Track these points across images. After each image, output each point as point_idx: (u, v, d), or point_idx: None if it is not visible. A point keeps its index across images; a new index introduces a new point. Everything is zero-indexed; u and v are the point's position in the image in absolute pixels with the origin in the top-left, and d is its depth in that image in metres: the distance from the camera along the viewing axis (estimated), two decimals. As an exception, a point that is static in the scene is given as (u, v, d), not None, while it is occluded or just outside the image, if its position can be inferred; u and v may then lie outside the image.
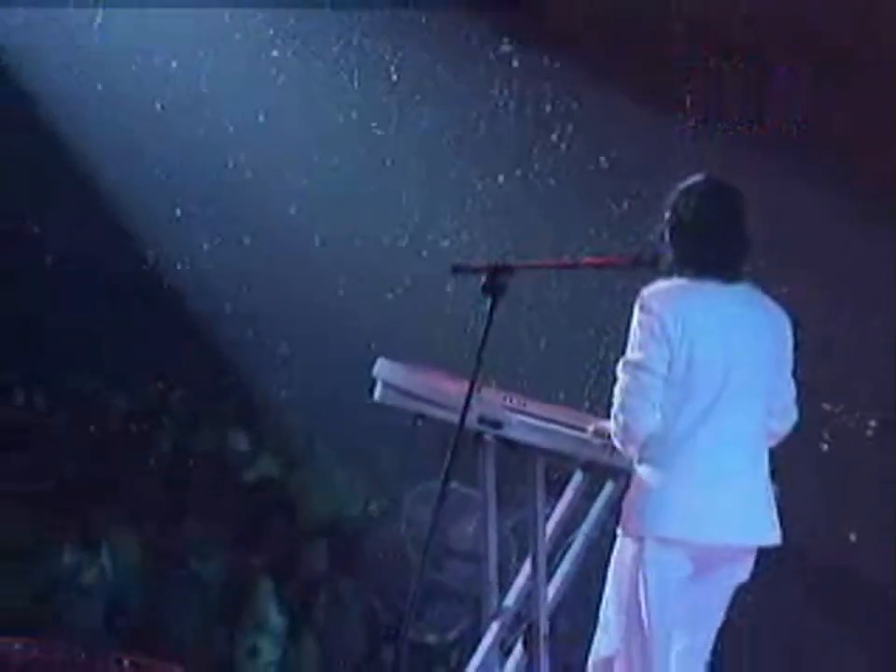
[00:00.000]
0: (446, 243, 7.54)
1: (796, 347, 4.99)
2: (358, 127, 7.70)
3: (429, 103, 7.62)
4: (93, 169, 7.79)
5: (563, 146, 7.54)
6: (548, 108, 7.54)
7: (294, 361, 7.76)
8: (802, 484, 6.64)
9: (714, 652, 4.94)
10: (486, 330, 4.88)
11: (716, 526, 4.75)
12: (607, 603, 4.88)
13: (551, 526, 5.32)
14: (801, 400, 5.02)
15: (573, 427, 5.18)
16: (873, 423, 7.15)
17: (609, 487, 5.27)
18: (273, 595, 7.73)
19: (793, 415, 4.97)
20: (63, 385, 8.07)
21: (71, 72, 7.81)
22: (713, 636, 4.90)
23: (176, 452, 8.03)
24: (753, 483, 4.83)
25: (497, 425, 5.18)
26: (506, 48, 7.57)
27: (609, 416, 4.85)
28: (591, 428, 5.11)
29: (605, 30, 7.37)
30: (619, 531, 4.86)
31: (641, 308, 4.78)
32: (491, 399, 5.20)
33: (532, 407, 5.25)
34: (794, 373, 4.99)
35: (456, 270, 5.48)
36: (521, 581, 5.35)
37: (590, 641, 4.92)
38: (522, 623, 5.30)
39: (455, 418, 4.88)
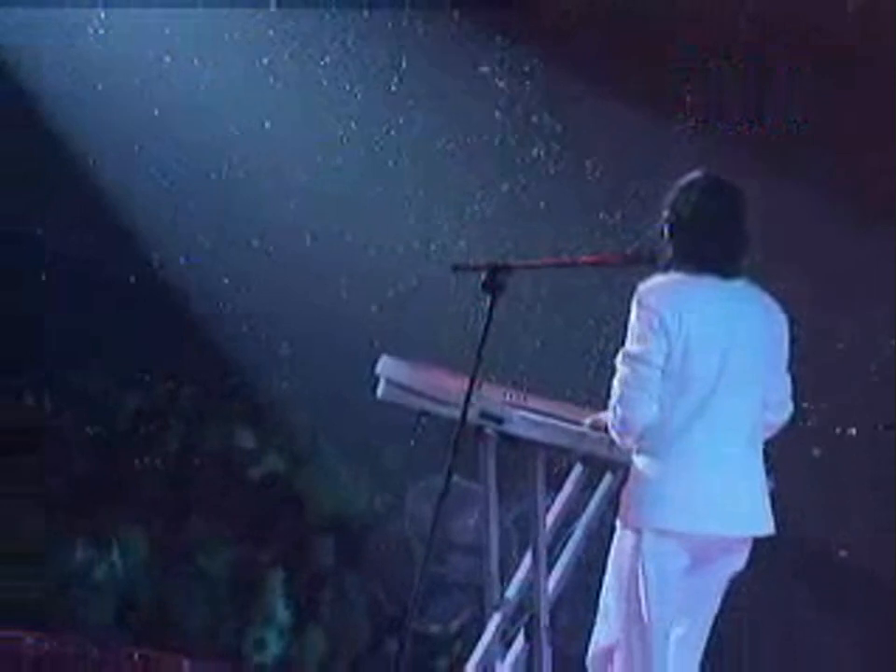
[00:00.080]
0: (446, 242, 7.55)
1: (793, 343, 5.04)
2: (359, 128, 7.72)
3: (427, 105, 7.63)
4: (95, 170, 7.80)
5: (562, 146, 7.57)
6: (547, 108, 7.54)
7: (298, 360, 7.76)
8: (799, 480, 6.70)
9: (713, 646, 4.99)
10: (486, 328, 4.93)
11: (712, 518, 4.79)
12: (606, 594, 4.92)
13: (551, 519, 5.38)
14: (796, 396, 5.09)
15: (573, 422, 5.24)
16: (870, 421, 7.18)
17: (607, 480, 5.33)
18: (280, 589, 7.78)
19: (789, 408, 5.02)
20: (71, 385, 8.10)
21: (71, 72, 7.80)
22: (710, 623, 4.94)
23: (184, 450, 8.07)
24: (749, 475, 4.87)
25: (498, 420, 5.22)
26: (503, 49, 7.58)
27: (606, 406, 4.91)
28: (587, 421, 5.18)
29: (604, 30, 7.37)
30: (618, 523, 4.91)
31: (639, 303, 4.83)
32: (492, 395, 5.25)
33: (532, 402, 5.31)
34: (790, 368, 5.02)
35: (457, 269, 5.56)
36: (522, 572, 5.41)
37: (590, 632, 4.97)
38: (523, 613, 5.35)
39: (457, 414, 4.94)
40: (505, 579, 5.43)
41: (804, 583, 7.15)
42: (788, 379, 5.02)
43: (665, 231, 4.93)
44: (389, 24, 7.70)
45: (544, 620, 5.30)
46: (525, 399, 5.32)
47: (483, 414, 5.22)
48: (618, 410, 4.83)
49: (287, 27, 7.76)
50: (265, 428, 7.99)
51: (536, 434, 5.24)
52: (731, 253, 4.89)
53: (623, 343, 4.89)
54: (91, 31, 7.83)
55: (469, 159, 7.62)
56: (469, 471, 5.39)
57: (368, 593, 7.64)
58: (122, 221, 7.81)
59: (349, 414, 7.33)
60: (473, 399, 4.99)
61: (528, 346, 7.36)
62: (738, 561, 4.92)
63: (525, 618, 5.35)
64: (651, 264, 5.00)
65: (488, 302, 4.98)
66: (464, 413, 4.94)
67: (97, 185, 7.81)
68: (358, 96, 7.74)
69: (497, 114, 7.63)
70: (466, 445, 5.08)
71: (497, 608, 5.37)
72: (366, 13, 7.70)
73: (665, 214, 4.93)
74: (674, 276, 4.89)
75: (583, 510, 5.44)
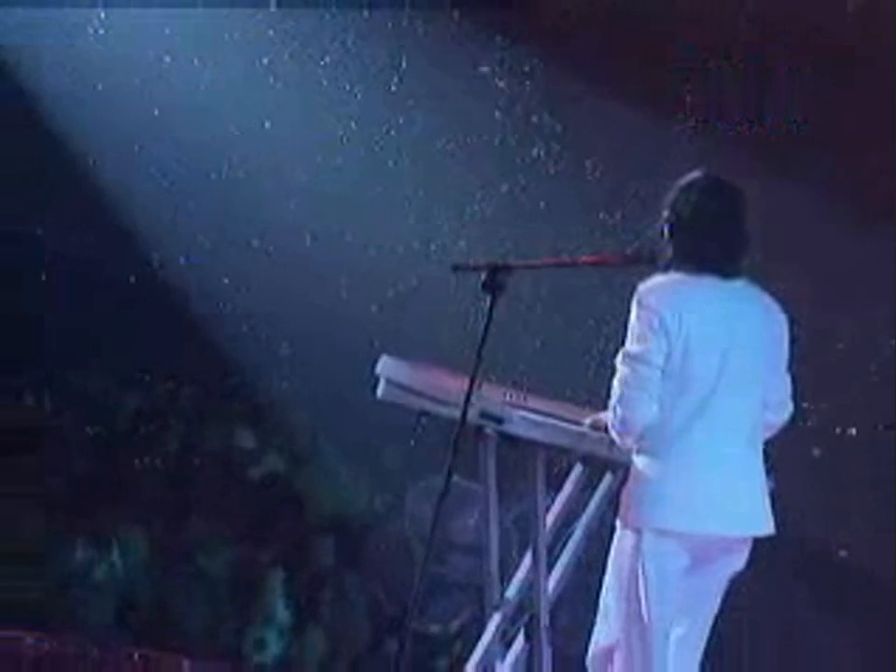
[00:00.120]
0: (446, 242, 7.55)
1: (793, 342, 5.05)
2: (359, 128, 7.72)
3: (427, 105, 7.63)
4: (95, 170, 7.79)
5: (562, 146, 7.57)
6: (547, 108, 7.54)
7: (298, 360, 7.76)
8: (799, 480, 6.70)
9: (713, 646, 5.00)
10: (486, 328, 4.94)
11: (712, 518, 4.81)
12: (606, 594, 4.93)
13: (551, 519, 5.39)
14: (796, 396, 5.09)
15: (573, 422, 5.25)
16: (870, 420, 7.19)
17: (607, 480, 5.34)
18: (280, 589, 7.79)
19: (789, 408, 5.03)
20: (72, 386, 8.11)
21: (71, 73, 7.80)
22: (710, 623, 4.95)
23: (184, 450, 8.08)
24: (749, 474, 4.88)
25: (498, 420, 5.23)
26: (503, 49, 7.57)
27: (606, 406, 4.92)
28: (587, 421, 5.19)
29: (604, 30, 7.36)
30: (618, 523, 4.92)
31: (639, 303, 4.84)
32: (492, 395, 5.26)
33: (532, 402, 5.32)
34: (790, 368, 5.03)
35: (457, 269, 5.57)
36: (522, 572, 5.42)
37: (590, 632, 4.97)
38: (523, 613, 5.36)
39: (457, 414, 4.95)
40: (505, 579, 5.44)
41: (804, 583, 7.16)
42: (788, 379, 5.03)
43: (665, 231, 4.94)
44: (389, 24, 7.70)
45: (544, 620, 5.32)
46: (524, 399, 5.33)
47: (483, 414, 5.23)
48: (618, 410, 4.84)
49: (287, 27, 7.76)
50: (265, 428, 8.00)
51: (536, 434, 5.26)
52: (731, 253, 4.90)
53: (622, 343, 4.89)
54: (90, 31, 7.83)
55: (470, 159, 7.62)
56: (469, 471, 5.40)
57: (368, 593, 7.65)
58: (122, 221, 7.81)
59: (349, 414, 7.34)
60: (473, 398, 5.00)
61: (528, 346, 7.36)
62: (738, 561, 4.93)
63: (525, 618, 5.36)
64: (651, 264, 5.01)
65: (488, 302, 4.99)
66: (464, 413, 4.95)
67: (97, 185, 7.81)
68: (358, 96, 7.74)
69: (497, 114, 7.64)
70: (466, 445, 5.09)
71: (497, 608, 5.39)
72: (366, 13, 7.70)
73: (666, 214, 4.94)
74: (674, 276, 4.90)
75: (583, 510, 5.45)
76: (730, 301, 4.89)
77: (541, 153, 7.58)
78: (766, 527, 4.92)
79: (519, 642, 5.39)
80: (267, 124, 7.76)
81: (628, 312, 4.89)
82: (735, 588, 5.01)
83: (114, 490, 7.99)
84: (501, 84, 7.63)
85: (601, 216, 7.43)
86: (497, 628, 5.37)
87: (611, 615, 4.92)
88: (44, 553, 7.85)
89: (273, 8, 7.77)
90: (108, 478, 8.03)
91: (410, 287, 7.62)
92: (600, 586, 4.97)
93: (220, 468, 8.00)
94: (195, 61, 7.79)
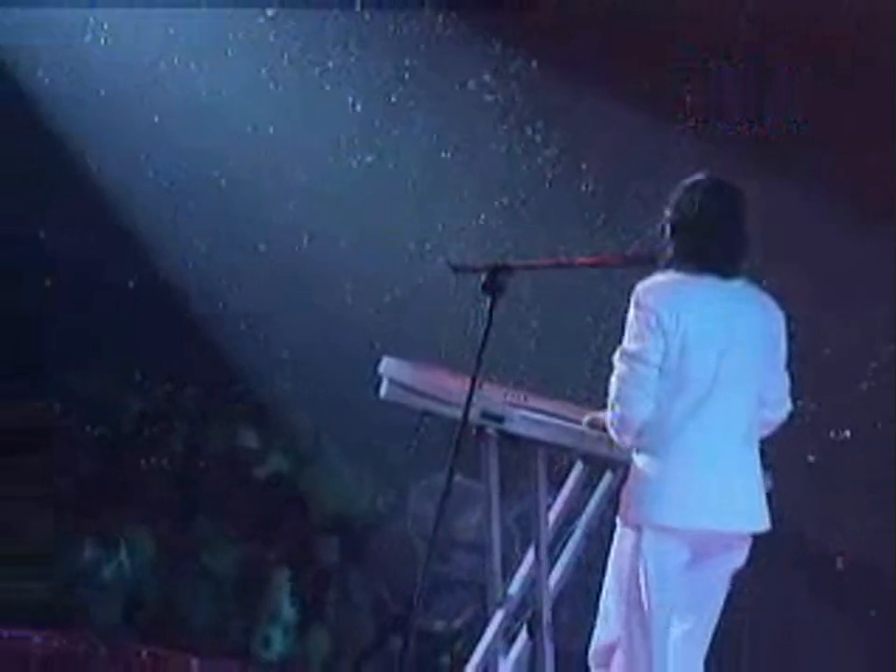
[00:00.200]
0: (447, 244, 7.54)
1: (792, 342, 5.07)
2: (360, 130, 7.74)
3: (427, 107, 7.64)
4: (96, 172, 7.78)
5: (562, 146, 7.56)
6: (547, 109, 7.54)
7: (301, 361, 7.76)
8: (798, 480, 6.73)
9: (713, 646, 5.02)
10: (487, 328, 4.97)
11: (708, 515, 4.84)
12: (607, 591, 4.97)
13: (552, 517, 5.43)
14: (795, 395, 5.13)
15: (572, 421, 5.29)
16: (870, 420, 7.19)
17: (607, 478, 5.38)
18: (285, 587, 7.83)
19: (788, 406, 5.07)
20: (77, 387, 8.15)
21: (71, 74, 7.79)
22: (713, 623, 4.99)
23: (189, 451, 8.12)
24: (745, 472, 4.92)
25: (499, 419, 5.27)
26: (503, 51, 7.55)
27: (605, 405, 4.96)
28: (585, 419, 5.23)
29: (604, 30, 7.35)
30: (618, 520, 4.96)
31: (637, 303, 4.88)
32: (493, 395, 5.30)
33: (533, 401, 5.36)
34: (789, 367, 5.06)
35: (457, 270, 5.62)
36: (524, 569, 5.46)
37: (591, 629, 5.01)
38: (525, 610, 5.40)
39: (459, 414, 4.99)
40: (507, 576, 5.48)
41: (803, 583, 7.17)
42: (786, 377, 5.06)
43: (667, 231, 4.98)
44: (391, 27, 7.70)
45: (546, 616, 5.36)
46: (525, 398, 5.38)
47: (485, 414, 5.27)
48: (616, 407, 4.89)
49: (289, 29, 7.75)
50: (269, 429, 8.03)
51: (537, 433, 5.29)
52: (731, 254, 4.95)
53: (620, 341, 4.93)
54: (91, 32, 7.83)
55: (470, 159, 7.63)
56: (471, 470, 5.45)
57: (372, 591, 7.68)
58: (123, 223, 7.80)
59: (352, 414, 7.34)
60: (475, 398, 5.03)
61: (527, 345, 7.37)
62: (739, 557, 4.97)
63: (528, 614, 5.39)
64: (650, 265, 5.04)
65: (488, 303, 5.03)
66: (465, 413, 4.98)
67: (98, 186, 7.80)
68: (359, 98, 7.74)
69: (498, 115, 7.63)
70: (468, 444, 5.13)
71: (499, 605, 5.43)
72: (367, 16, 7.71)
73: (668, 214, 4.97)
74: (673, 276, 4.94)
75: (584, 508, 5.49)
76: (728, 300, 4.93)
77: (541, 153, 7.57)
78: (763, 524, 4.96)
79: (521, 639, 5.43)
80: (267, 126, 7.76)
81: (627, 305, 4.92)
82: (735, 588, 5.02)
83: (121, 490, 8.03)
84: (501, 85, 7.62)
85: (601, 216, 7.44)
86: (500, 625, 5.42)
87: (611, 617, 4.95)
88: (52, 553, 7.89)
89: (274, 11, 7.76)
90: (115, 479, 8.07)
91: (410, 288, 7.62)
92: (601, 583, 5.00)
93: (225, 468, 8.04)
94: (196, 62, 7.79)
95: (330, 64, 7.74)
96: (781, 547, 5.45)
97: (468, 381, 5.02)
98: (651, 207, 5.46)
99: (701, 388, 4.85)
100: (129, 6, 7.76)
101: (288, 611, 7.81)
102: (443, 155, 7.64)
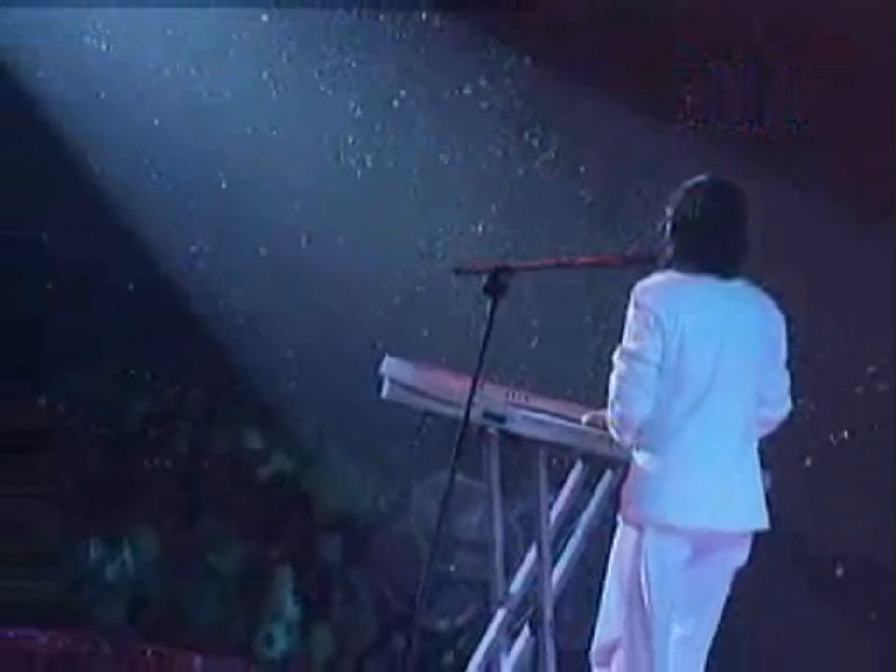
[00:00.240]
0: (449, 246, 7.55)
1: (791, 342, 5.09)
2: (360, 132, 7.75)
3: (427, 108, 7.65)
4: (100, 174, 7.79)
5: (562, 146, 7.55)
6: (547, 109, 7.55)
7: (304, 362, 7.79)
8: (798, 480, 6.74)
9: (713, 648, 5.05)
10: (488, 329, 5.01)
11: (707, 514, 4.88)
12: (609, 590, 5.00)
13: (553, 516, 5.47)
14: (795, 394, 5.16)
15: (573, 420, 5.34)
16: (869, 420, 7.19)
17: (608, 477, 5.42)
18: (288, 587, 7.85)
19: (787, 405, 5.11)
20: (82, 388, 8.18)
21: (70, 76, 7.78)
22: (715, 623, 5.02)
23: (193, 451, 8.15)
24: (743, 470, 4.95)
25: (500, 419, 5.31)
26: (503, 52, 7.56)
27: (605, 404, 5.00)
28: (585, 418, 5.27)
29: (604, 30, 7.34)
30: (619, 519, 4.99)
31: (636, 303, 4.92)
32: (494, 395, 5.35)
33: (534, 401, 5.40)
34: (788, 365, 5.09)
35: (459, 271, 5.65)
36: (526, 568, 5.50)
37: (593, 628, 5.04)
38: (527, 608, 5.45)
39: (461, 414, 5.02)
40: (509, 574, 5.51)
41: (803, 583, 7.17)
42: (786, 376, 5.10)
43: (668, 232, 5.01)
44: (391, 28, 7.71)
45: (548, 614, 5.40)
46: (526, 398, 5.41)
47: (486, 414, 5.31)
48: (616, 406, 4.93)
49: (290, 32, 7.76)
50: (273, 429, 8.05)
51: (538, 432, 5.34)
52: (730, 255, 4.98)
53: (620, 340, 4.97)
54: (93, 34, 7.83)
55: (471, 160, 7.63)
56: (473, 470, 5.48)
57: (375, 589, 7.71)
58: (125, 224, 7.81)
59: (355, 415, 7.36)
60: (476, 398, 5.06)
61: (528, 345, 7.39)
62: (740, 554, 5.00)
63: (530, 612, 5.43)
64: (650, 265, 5.07)
65: (490, 304, 5.06)
66: (467, 413, 5.01)
67: (100, 187, 7.81)
68: (359, 100, 7.75)
69: (498, 116, 7.63)
70: (470, 444, 5.15)
71: (501, 603, 5.47)
72: (367, 17, 7.72)
73: (669, 214, 5.00)
74: (672, 275, 4.97)
75: (585, 507, 5.52)
76: (727, 300, 4.96)
77: (541, 153, 7.57)
78: (762, 522, 4.99)
79: (524, 636, 5.47)
80: (269, 127, 7.76)
81: (626, 303, 4.94)
82: (735, 588, 5.04)
83: (126, 491, 8.06)
84: (501, 85, 7.63)
85: (601, 216, 7.46)
86: (502, 623, 5.45)
87: (613, 616, 4.97)
88: (57, 553, 7.92)
89: (275, 13, 7.75)
90: (120, 479, 8.10)
91: (413, 289, 7.64)
92: (602, 581, 5.03)
93: (229, 468, 8.06)
94: (197, 64, 7.80)
95: (327, 66, 7.75)
96: (781, 547, 5.46)
97: (469, 381, 5.05)
98: (651, 207, 5.49)
99: (699, 387, 4.89)
100: (134, 5, 7.77)
101: (291, 610, 7.83)
102: (443, 157, 7.65)
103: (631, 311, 4.94)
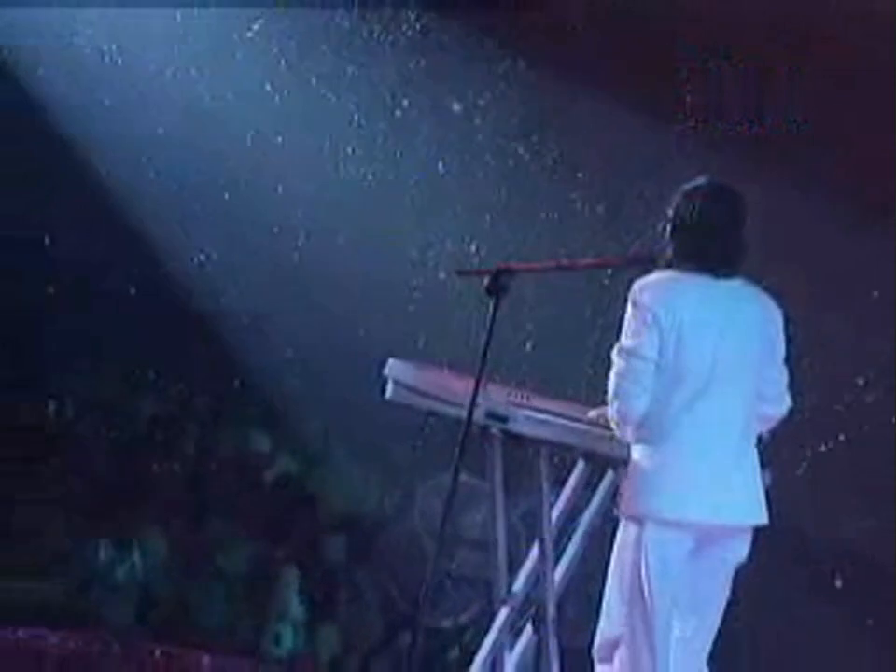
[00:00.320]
0: (451, 249, 7.57)
1: (791, 342, 5.13)
2: (363, 135, 7.78)
3: (428, 112, 7.68)
4: (105, 177, 7.82)
5: (562, 147, 7.58)
6: (546, 110, 7.57)
7: (309, 364, 7.81)
8: (798, 479, 6.76)
9: (712, 648, 5.07)
10: (490, 329, 5.04)
11: (706, 508, 4.92)
12: (610, 586, 5.04)
13: (556, 514, 5.50)
14: (794, 392, 5.20)
15: (574, 420, 5.37)
16: (869, 420, 7.20)
17: (609, 476, 5.45)
18: (295, 586, 7.90)
19: (787, 401, 5.14)
20: (91, 392, 8.21)
21: (71, 80, 7.78)
22: (716, 626, 5.05)
23: (200, 454, 8.19)
24: (741, 465, 4.99)
25: (503, 419, 5.34)
26: (503, 53, 7.58)
27: (604, 402, 5.04)
28: (592, 414, 5.29)
29: (604, 30, 7.37)
30: (621, 516, 5.01)
31: (634, 301, 4.97)
32: (496, 395, 5.38)
33: (535, 401, 5.44)
34: (787, 363, 5.13)
35: (461, 273, 5.69)
36: (529, 566, 5.53)
37: (596, 624, 5.07)
38: (530, 606, 5.48)
39: (464, 414, 5.06)
40: (513, 573, 5.54)
41: (803, 582, 7.18)
42: (785, 372, 5.13)
43: (667, 233, 5.05)
44: (393, 34, 7.73)
45: (551, 611, 5.43)
46: (528, 398, 5.45)
47: (489, 414, 5.33)
48: (614, 402, 4.98)
49: (290, 33, 7.77)
50: (278, 432, 8.09)
51: (540, 432, 5.37)
52: (728, 257, 5.02)
53: (618, 337, 5.01)
54: (92, 35, 7.83)
55: (471, 162, 7.66)
56: (477, 469, 5.52)
57: (380, 588, 7.74)
58: (130, 227, 7.82)
59: (359, 416, 7.38)
60: (479, 399, 5.10)
61: (530, 346, 7.42)
62: (740, 549, 5.03)
63: (533, 610, 5.46)
64: (651, 265, 5.10)
65: (491, 305, 5.09)
66: (470, 414, 5.04)
67: (106, 191, 7.84)
68: (358, 102, 7.78)
69: (498, 117, 7.65)
70: (473, 444, 5.19)
71: (504, 601, 5.50)
72: (368, 21, 7.74)
73: (669, 215, 5.04)
74: (670, 274, 5.02)
75: (587, 505, 5.56)
76: (725, 297, 5.00)
77: (541, 154, 7.59)
78: (761, 517, 5.03)
79: (527, 634, 5.50)
80: (272, 132, 7.78)
81: (625, 300, 4.98)
82: (735, 587, 5.05)
83: (135, 493, 8.09)
84: (502, 87, 7.65)
85: (602, 216, 7.48)
86: (506, 621, 5.48)
87: (614, 612, 5.00)
88: (67, 555, 7.95)
89: (277, 16, 7.76)
90: (128, 481, 8.14)
91: (416, 291, 7.66)
92: (604, 579, 5.07)
93: (236, 470, 8.10)
94: (198, 69, 7.81)
95: (325, 69, 7.76)
96: (781, 547, 5.48)
97: (471, 382, 5.09)
98: (652, 208, 5.51)
99: (697, 383, 4.93)
100: (136, 6, 7.76)
101: (297, 609, 7.87)
102: (443, 157, 7.68)
103: (629, 309, 4.99)
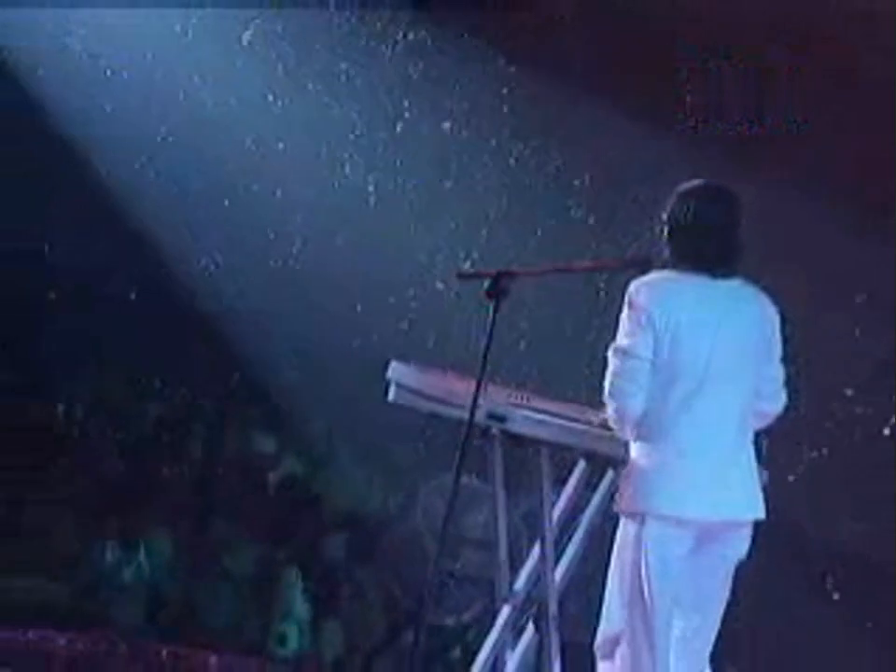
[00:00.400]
0: (452, 253, 7.58)
1: (789, 342, 5.16)
2: (364, 138, 7.79)
3: (428, 114, 7.70)
4: (106, 179, 7.83)
5: (561, 147, 7.58)
6: (546, 110, 7.58)
7: (312, 366, 7.84)
8: (797, 478, 6.78)
9: (712, 652, 5.11)
10: (490, 332, 5.06)
11: (705, 505, 4.96)
12: (611, 584, 5.07)
13: (557, 514, 5.55)
14: (794, 387, 5.22)
15: (574, 420, 5.43)
16: (869, 419, 7.22)
17: (609, 475, 5.50)
18: (299, 586, 7.94)
19: (783, 398, 5.19)
20: (98, 394, 8.26)
21: (71, 84, 7.79)
22: (717, 624, 5.08)
23: (207, 455, 8.23)
24: (738, 461, 5.03)
25: (502, 420, 5.39)
26: (504, 54, 7.57)
27: (600, 400, 5.09)
28: (596, 420, 5.35)
29: (604, 30, 7.39)
30: (620, 513, 5.04)
31: (630, 302, 5.02)
32: (497, 396, 5.43)
33: (535, 402, 5.49)
34: (784, 361, 5.16)
35: (462, 276, 5.72)
36: (530, 565, 5.58)
37: (597, 621, 5.11)
38: (532, 603, 5.53)
39: (465, 415, 5.09)
40: (514, 571, 5.60)
41: (803, 582, 7.19)
42: (781, 369, 5.18)
43: (664, 234, 5.09)
44: (393, 38, 7.73)
45: (552, 609, 5.48)
46: (528, 399, 5.50)
47: (490, 415, 5.39)
48: (611, 402, 5.03)
49: (292, 35, 7.78)
50: (283, 434, 8.12)
51: (539, 432, 5.42)
52: (725, 257, 5.06)
53: (614, 337, 5.06)
54: (92, 36, 7.85)
55: (472, 163, 7.67)
56: (478, 470, 5.57)
57: (383, 588, 7.78)
58: (134, 230, 7.83)
59: (362, 418, 7.41)
60: (480, 400, 5.13)
61: (529, 345, 7.45)
62: (740, 545, 5.07)
63: (534, 608, 5.50)
64: (648, 268, 5.14)
65: (492, 308, 5.13)
66: (471, 415, 5.07)
67: (108, 195, 7.85)
68: (362, 109, 7.80)
69: (499, 118, 7.66)
70: (475, 445, 5.25)
71: (506, 599, 5.54)
72: (369, 25, 7.75)
73: (665, 217, 5.08)
74: (666, 274, 5.07)
75: (587, 505, 5.60)
76: (721, 296, 5.04)
77: (540, 156, 7.59)
78: (758, 512, 5.06)
79: (529, 632, 5.55)
80: (273, 135, 7.79)
81: (621, 302, 5.03)
82: (735, 587, 5.08)
83: (141, 494, 8.14)
84: (504, 90, 7.66)
85: (600, 219, 7.50)
86: (508, 619, 5.53)
87: (615, 607, 5.04)
88: (75, 556, 7.99)
89: (278, 19, 7.77)
90: (135, 483, 8.18)
91: (418, 294, 7.68)
92: (605, 577, 5.10)
93: (242, 471, 8.14)
94: (199, 74, 7.82)
95: (329, 71, 7.77)
96: (781, 547, 5.50)
97: (472, 383, 5.12)
98: (650, 209, 5.54)
99: (693, 381, 4.97)
100: (137, 6, 7.74)
101: (302, 609, 7.91)
102: (443, 159, 7.69)
103: (625, 309, 5.04)
